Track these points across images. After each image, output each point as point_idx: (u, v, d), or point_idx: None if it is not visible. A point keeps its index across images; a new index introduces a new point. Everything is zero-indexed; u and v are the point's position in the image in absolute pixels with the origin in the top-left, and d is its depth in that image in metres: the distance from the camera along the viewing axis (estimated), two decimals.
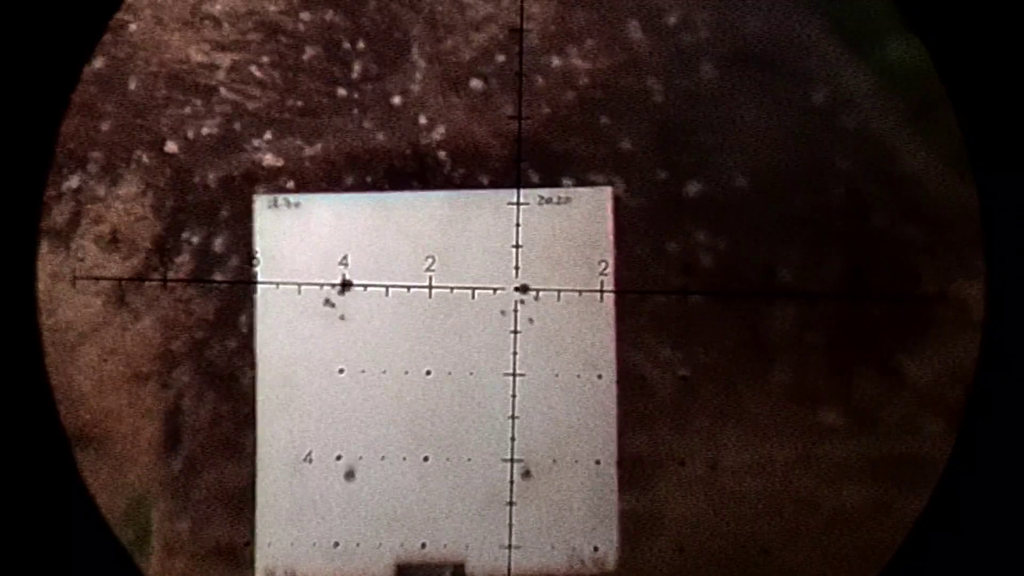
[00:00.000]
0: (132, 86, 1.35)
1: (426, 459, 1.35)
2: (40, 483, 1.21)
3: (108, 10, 1.32)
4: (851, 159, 1.34)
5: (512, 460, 1.35)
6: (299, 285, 1.34)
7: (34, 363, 1.25)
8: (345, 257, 1.34)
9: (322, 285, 1.34)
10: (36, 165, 1.27)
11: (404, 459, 1.35)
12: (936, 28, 1.24)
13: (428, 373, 1.35)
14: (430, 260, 1.34)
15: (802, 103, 1.35)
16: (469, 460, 1.35)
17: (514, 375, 1.35)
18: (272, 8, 1.36)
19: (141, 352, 1.34)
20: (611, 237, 1.34)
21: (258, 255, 1.34)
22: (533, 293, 1.34)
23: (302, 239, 1.34)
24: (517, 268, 1.35)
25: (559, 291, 1.34)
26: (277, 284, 1.34)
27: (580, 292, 1.34)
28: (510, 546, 1.35)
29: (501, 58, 1.35)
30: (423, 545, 1.35)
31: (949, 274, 1.33)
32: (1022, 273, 1.19)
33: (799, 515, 1.34)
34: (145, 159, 1.34)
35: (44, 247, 1.33)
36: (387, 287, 1.34)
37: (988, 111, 1.20)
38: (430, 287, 1.34)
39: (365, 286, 1.35)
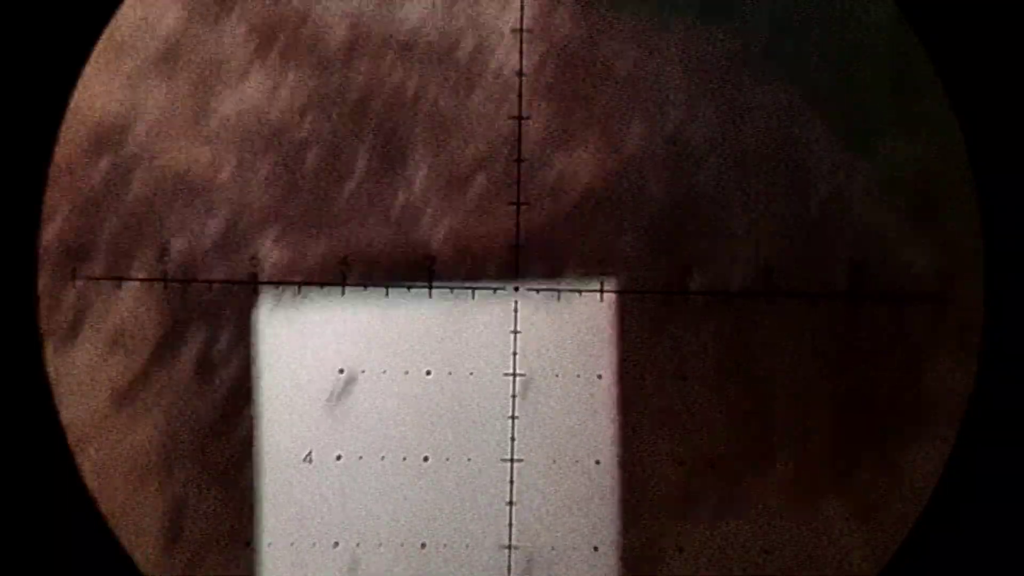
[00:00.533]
0: (135, 186, 1.35)
1: (426, 459, 1.35)
2: (40, 483, 1.20)
3: (107, 11, 1.33)
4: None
5: (512, 460, 1.35)
6: (302, 381, 1.35)
7: (34, 364, 1.24)
8: (349, 354, 1.35)
9: (326, 381, 1.35)
10: (36, 166, 1.26)
11: (408, 555, 1.35)
12: (936, 28, 1.24)
13: (428, 373, 1.35)
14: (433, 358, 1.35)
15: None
16: (469, 460, 1.35)
17: (514, 375, 1.35)
18: (275, 115, 1.36)
19: (144, 449, 1.34)
20: (615, 335, 1.35)
21: (261, 352, 1.35)
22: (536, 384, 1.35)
23: (305, 336, 1.35)
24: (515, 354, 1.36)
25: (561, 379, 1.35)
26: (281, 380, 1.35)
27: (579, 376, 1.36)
28: (510, 547, 1.35)
29: (503, 157, 1.36)
30: (422, 546, 1.35)
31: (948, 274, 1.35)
32: (1022, 274, 1.18)
33: None
34: (150, 257, 1.35)
35: (49, 348, 1.33)
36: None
37: (988, 111, 1.20)
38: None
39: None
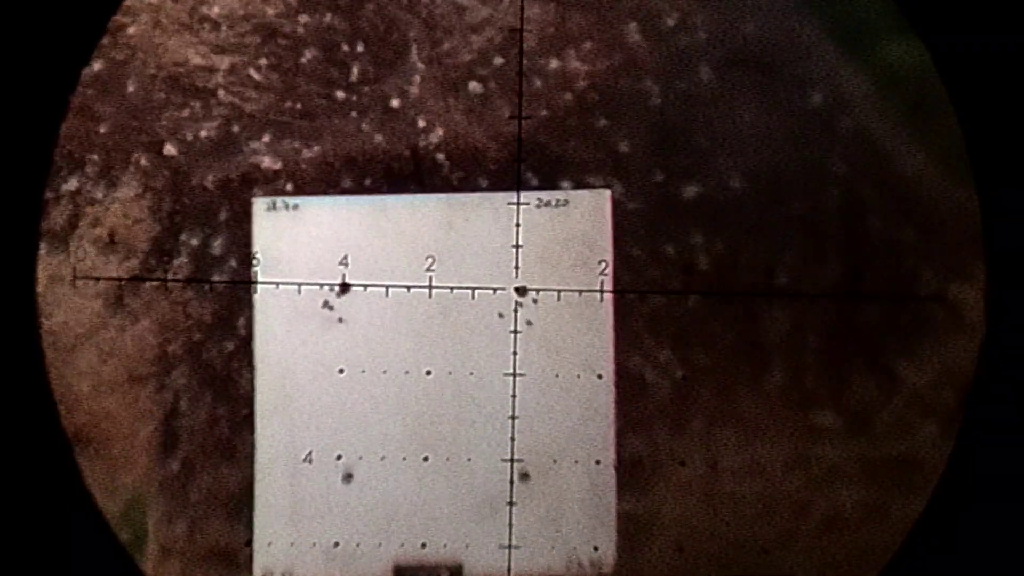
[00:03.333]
0: (130, 89, 1.34)
1: (426, 459, 1.35)
2: (40, 483, 1.20)
3: (107, 11, 1.32)
4: (848, 161, 1.35)
5: (512, 460, 1.35)
6: (298, 286, 1.34)
7: (34, 364, 1.25)
8: (344, 258, 1.34)
9: (321, 286, 1.34)
10: (35, 167, 1.27)
11: (403, 459, 1.35)
12: (936, 28, 1.24)
13: (428, 373, 1.35)
14: (430, 260, 1.34)
15: (800, 105, 1.36)
16: (469, 460, 1.35)
17: (514, 375, 1.35)
18: (270, 11, 1.36)
19: (138, 354, 1.34)
20: (610, 239, 1.35)
21: (257, 256, 1.34)
22: (532, 294, 1.35)
23: (300, 241, 1.34)
24: (517, 268, 1.35)
25: (559, 291, 1.34)
26: (276, 285, 1.34)
27: (580, 292, 1.35)
28: (509, 547, 1.35)
29: (499, 60, 1.35)
30: (423, 546, 1.35)
31: (948, 276, 1.34)
32: (1022, 274, 1.19)
33: (795, 517, 1.35)
34: (143, 161, 1.34)
35: (43, 249, 1.33)
36: (387, 287, 1.35)
37: (988, 111, 1.20)
38: (430, 287, 1.35)
39: (364, 286, 1.35)
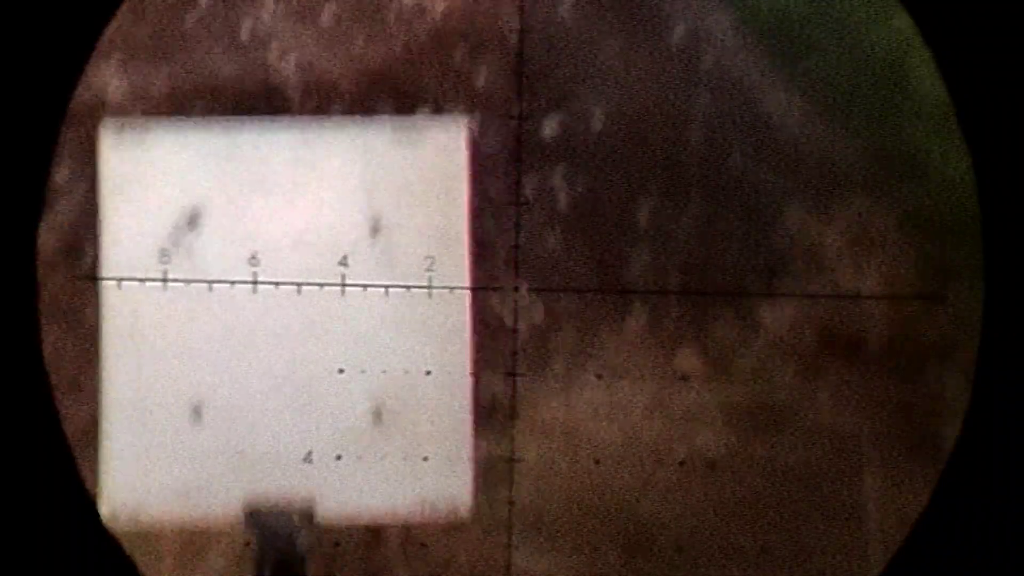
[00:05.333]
0: None
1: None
2: (40, 483, 1.16)
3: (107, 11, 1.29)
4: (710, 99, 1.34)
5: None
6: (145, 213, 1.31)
7: (33, 365, 1.20)
8: (193, 187, 1.31)
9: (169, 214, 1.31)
10: (35, 166, 1.23)
11: (251, 394, 1.32)
12: (936, 27, 1.23)
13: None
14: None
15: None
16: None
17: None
18: None
19: None
20: (467, 173, 1.33)
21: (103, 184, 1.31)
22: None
23: (148, 168, 1.31)
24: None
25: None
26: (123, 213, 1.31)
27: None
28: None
29: None
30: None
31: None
32: (1021, 274, 1.17)
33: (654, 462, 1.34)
34: None
35: None
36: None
37: (988, 111, 1.19)
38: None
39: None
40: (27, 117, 1.19)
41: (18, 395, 1.16)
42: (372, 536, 1.33)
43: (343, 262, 1.32)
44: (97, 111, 1.31)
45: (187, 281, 1.31)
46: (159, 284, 1.31)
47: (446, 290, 1.32)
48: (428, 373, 1.32)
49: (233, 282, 1.31)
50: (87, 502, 1.27)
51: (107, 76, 1.31)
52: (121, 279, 1.31)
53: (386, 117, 1.32)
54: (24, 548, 1.14)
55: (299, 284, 1.31)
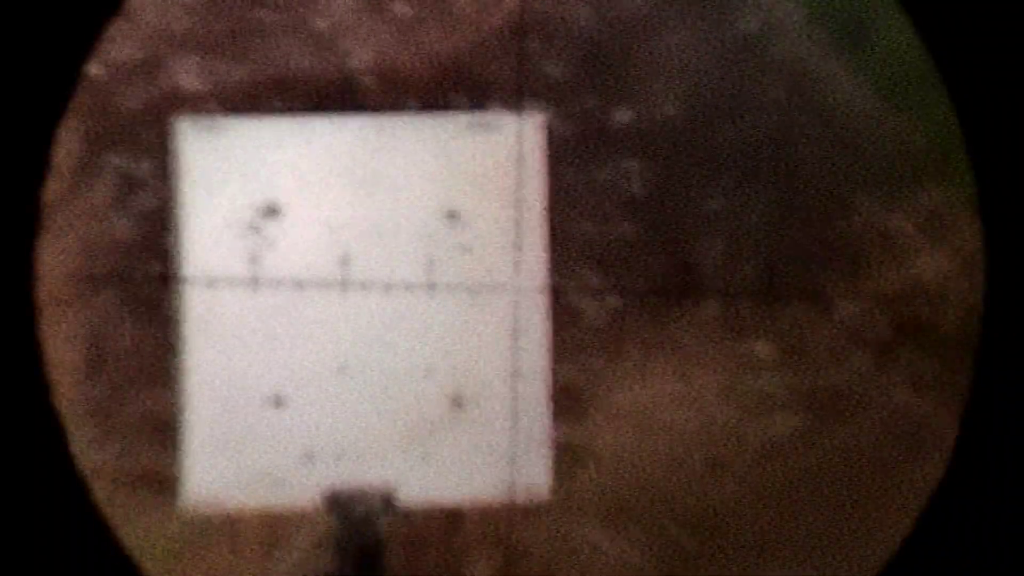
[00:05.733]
0: None
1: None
2: (40, 483, 1.18)
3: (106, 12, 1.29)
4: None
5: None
6: (224, 209, 1.33)
7: (33, 364, 1.22)
8: (271, 181, 1.33)
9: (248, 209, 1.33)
10: (34, 166, 1.24)
11: (333, 384, 1.33)
12: (936, 28, 1.22)
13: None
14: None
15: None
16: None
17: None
18: None
19: (62, 276, 1.32)
20: (541, 164, 1.33)
21: (182, 179, 1.32)
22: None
23: (226, 163, 1.32)
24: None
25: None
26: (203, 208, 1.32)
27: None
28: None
29: None
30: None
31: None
32: (1021, 273, 1.17)
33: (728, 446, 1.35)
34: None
35: None
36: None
37: (988, 111, 1.19)
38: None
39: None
40: None
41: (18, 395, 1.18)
42: (451, 521, 1.36)
43: (428, 263, 1.33)
44: (177, 107, 1.32)
45: (275, 282, 1.33)
46: (246, 282, 1.33)
47: (522, 283, 1.33)
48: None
49: (320, 284, 1.33)
50: (83, 498, 1.27)
51: (185, 72, 1.33)
52: (207, 277, 1.33)
53: (460, 111, 1.33)
54: (24, 548, 1.16)
55: (387, 285, 1.33)
